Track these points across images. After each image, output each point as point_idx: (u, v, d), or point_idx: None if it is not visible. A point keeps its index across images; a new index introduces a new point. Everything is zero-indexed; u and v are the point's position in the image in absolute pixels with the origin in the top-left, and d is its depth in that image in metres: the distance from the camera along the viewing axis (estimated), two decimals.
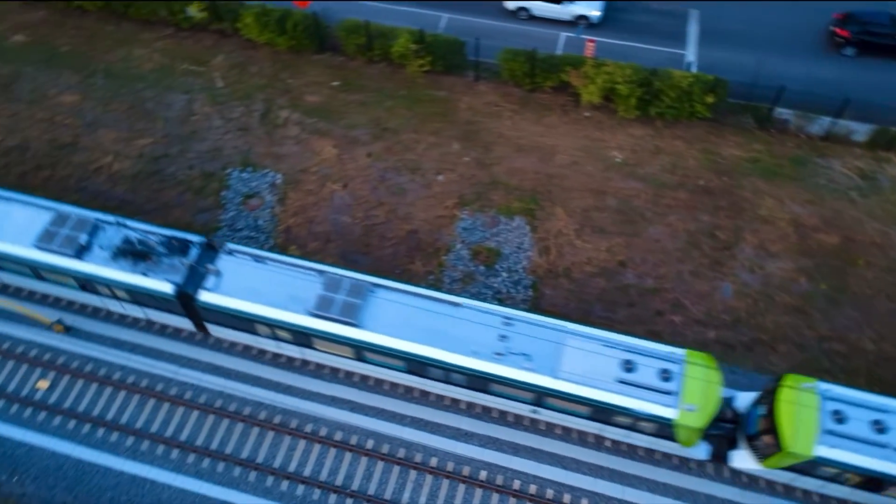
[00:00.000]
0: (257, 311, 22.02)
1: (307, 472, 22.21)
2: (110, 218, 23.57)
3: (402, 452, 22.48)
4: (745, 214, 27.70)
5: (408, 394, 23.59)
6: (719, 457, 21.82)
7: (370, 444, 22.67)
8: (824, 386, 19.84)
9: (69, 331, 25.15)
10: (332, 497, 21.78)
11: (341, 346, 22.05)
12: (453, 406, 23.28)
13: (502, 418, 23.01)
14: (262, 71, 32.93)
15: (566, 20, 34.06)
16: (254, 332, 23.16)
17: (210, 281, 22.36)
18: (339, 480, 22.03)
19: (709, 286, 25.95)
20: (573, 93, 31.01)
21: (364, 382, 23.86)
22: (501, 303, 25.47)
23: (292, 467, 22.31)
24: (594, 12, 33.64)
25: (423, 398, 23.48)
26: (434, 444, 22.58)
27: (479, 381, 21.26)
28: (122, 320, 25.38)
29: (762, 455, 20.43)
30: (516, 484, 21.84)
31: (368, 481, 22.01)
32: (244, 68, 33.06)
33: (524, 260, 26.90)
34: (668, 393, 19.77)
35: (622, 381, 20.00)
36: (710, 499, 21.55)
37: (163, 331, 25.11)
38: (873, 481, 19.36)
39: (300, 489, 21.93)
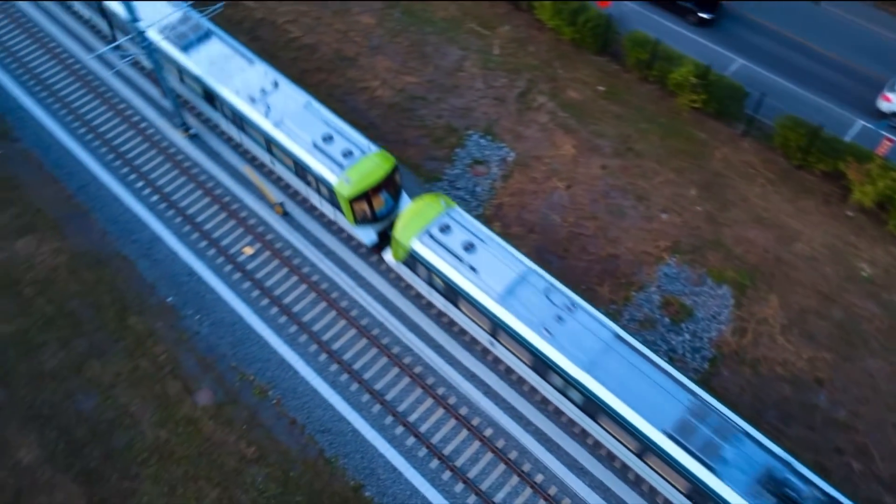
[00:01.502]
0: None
1: (422, 428, 22.89)
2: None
3: (513, 454, 22.35)
4: None
5: (542, 404, 23.28)
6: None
7: (488, 432, 22.78)
8: (457, 211, 23.68)
9: (286, 215, 27.93)
10: (434, 462, 22.29)
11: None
12: (580, 435, 22.59)
13: (622, 472, 21.93)
14: (538, 53, 33.49)
15: (880, 109, 30.60)
16: (431, 284, 23.91)
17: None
18: (445, 450, 22.47)
19: None
20: (844, 185, 27.98)
21: (508, 376, 23.91)
22: (672, 362, 24.05)
23: (411, 418, 23.12)
24: None
25: (555, 415, 23.05)
26: (545, 461, 22.15)
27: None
28: (330, 226, 27.63)
29: (392, 248, 24.30)
30: None
31: (472, 464, 22.20)
32: (523, 44, 33.83)
33: (714, 331, 25.09)
34: (339, 165, 24.41)
35: (316, 146, 24.81)
36: (368, 287, 25.93)
37: (357, 248, 26.96)
38: (451, 290, 22.75)
39: (410, 440, 22.69)
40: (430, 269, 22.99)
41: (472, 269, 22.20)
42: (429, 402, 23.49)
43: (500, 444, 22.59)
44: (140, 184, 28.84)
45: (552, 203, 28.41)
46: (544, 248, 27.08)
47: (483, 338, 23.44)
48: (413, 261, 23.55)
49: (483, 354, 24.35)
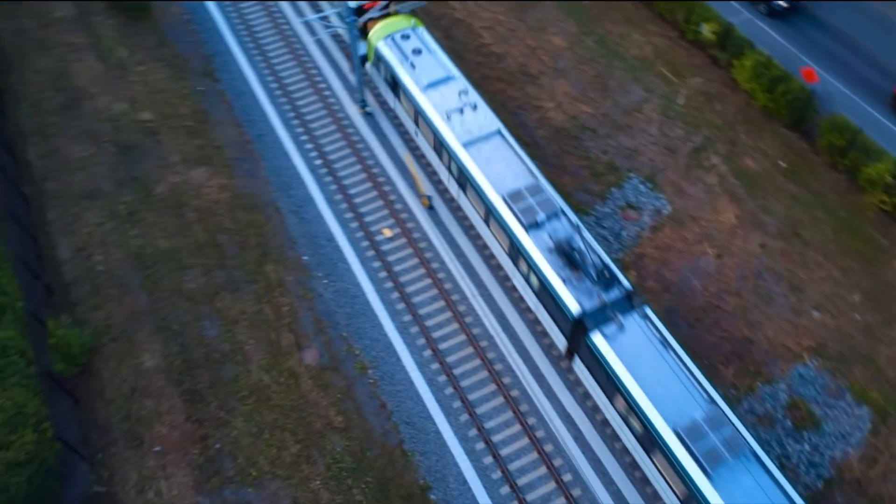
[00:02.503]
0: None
1: (503, 451, 22.67)
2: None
3: (576, 491, 21.60)
4: None
5: (631, 468, 22.28)
6: None
7: (567, 476, 22.16)
8: (420, 29, 29.65)
9: (431, 209, 28.62)
10: (505, 488, 21.98)
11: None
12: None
13: None
14: (724, 112, 32.07)
15: None
16: (610, 399, 21.95)
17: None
18: (519, 481, 22.10)
19: None
20: None
21: (603, 429, 23.11)
22: (782, 469, 22.18)
23: (495, 437, 22.94)
24: None
25: (641, 483, 21.97)
26: None
27: None
28: (468, 230, 28.00)
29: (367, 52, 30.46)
30: None
31: (530, 489, 21.67)
32: (710, 100, 32.54)
33: (839, 451, 22.87)
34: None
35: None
36: (489, 298, 27.11)
37: (488, 258, 27.12)
38: (393, 81, 29.10)
39: (488, 459, 22.53)
40: (384, 64, 29.16)
41: (413, 66, 28.16)
42: (516, 427, 23.19)
43: (577, 493, 21.88)
44: (309, 146, 30.64)
45: (697, 268, 27.11)
46: (676, 311, 25.89)
47: (411, 129, 29.45)
48: (377, 59, 29.81)
49: (584, 398, 23.69)
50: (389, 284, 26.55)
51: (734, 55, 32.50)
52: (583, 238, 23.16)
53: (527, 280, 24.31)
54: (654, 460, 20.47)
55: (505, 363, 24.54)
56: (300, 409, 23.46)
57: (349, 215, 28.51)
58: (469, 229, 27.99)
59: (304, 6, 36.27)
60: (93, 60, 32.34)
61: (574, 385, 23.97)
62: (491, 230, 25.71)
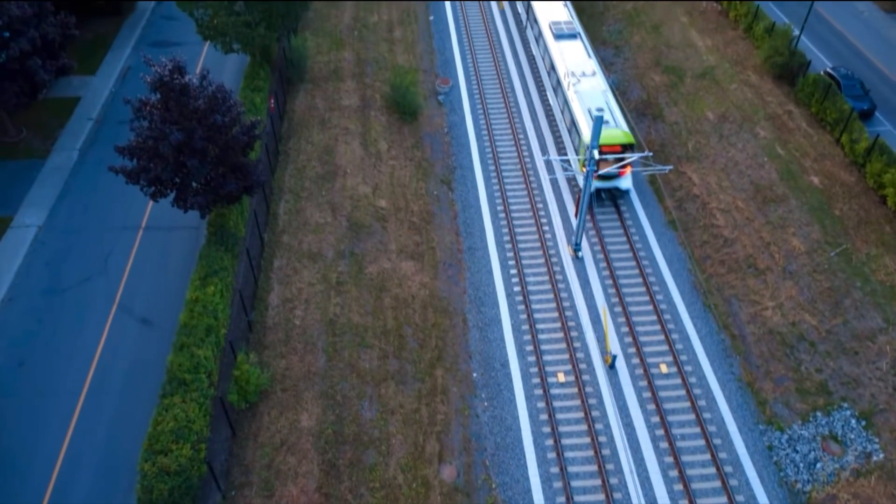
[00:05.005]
0: None
1: None
2: None
3: None
4: None
5: None
6: None
7: None
8: None
9: (612, 368, 27.64)
10: None
11: None
12: None
13: None
14: None
15: None
16: None
17: None
18: None
19: None
20: None
21: None
22: None
23: None
24: None
25: None
26: None
27: None
28: (645, 405, 26.45)
29: None
30: None
31: None
32: None
33: None
34: None
35: None
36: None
37: (666, 472, 25.26)
38: None
39: None
40: None
41: None
42: None
43: None
44: (513, 271, 31.53)
45: None
46: None
47: None
48: None
49: None
50: (547, 429, 25.70)
51: None
52: None
53: None
54: None
55: None
56: None
57: (529, 348, 28.46)
58: (646, 402, 26.48)
59: (551, 145, 38.36)
60: (357, 145, 36.69)
61: None
62: None
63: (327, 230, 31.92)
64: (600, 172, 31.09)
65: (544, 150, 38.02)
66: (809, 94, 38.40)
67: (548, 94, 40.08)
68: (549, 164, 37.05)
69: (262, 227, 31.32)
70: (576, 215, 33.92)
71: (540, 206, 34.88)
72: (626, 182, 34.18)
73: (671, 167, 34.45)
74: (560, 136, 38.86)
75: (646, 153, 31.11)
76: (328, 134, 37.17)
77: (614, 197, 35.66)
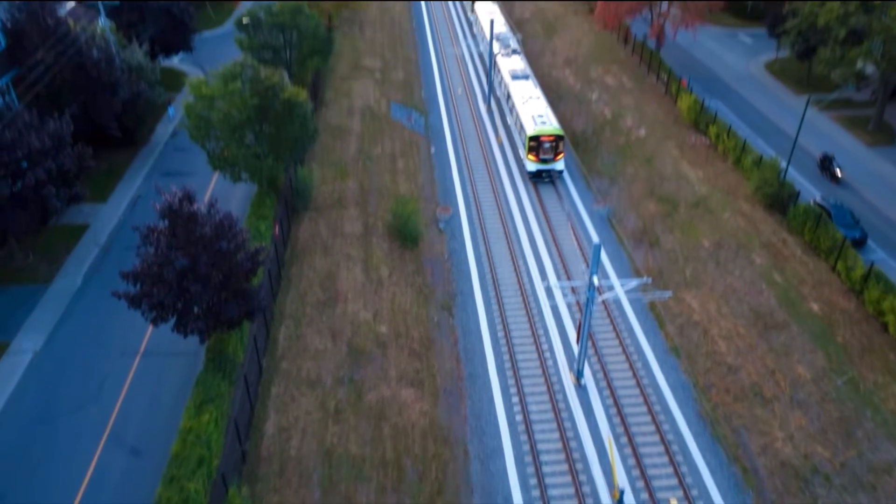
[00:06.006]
0: None
1: None
2: None
3: None
4: None
5: None
6: None
7: None
8: None
9: (619, 503, 26.47)
10: None
11: None
12: None
13: None
14: None
15: None
16: None
17: None
18: None
19: None
20: None
21: None
22: None
23: None
24: None
25: None
26: None
27: None
28: None
29: None
30: None
31: None
32: None
33: None
34: None
35: None
36: None
37: None
38: None
39: None
40: None
41: None
42: None
43: None
44: (515, 399, 30.87)
45: None
46: None
47: None
48: None
49: None
50: None
51: None
52: None
53: None
54: None
55: None
56: None
57: (533, 481, 27.31)
58: None
59: (550, 271, 38.81)
60: (359, 271, 37.09)
61: None
62: None
63: (327, 356, 31.58)
64: (541, 157, 46.58)
65: (543, 276, 38.40)
66: (802, 222, 39.38)
67: (505, 113, 57.02)
68: (549, 290, 37.30)
69: (261, 352, 31.00)
70: (577, 342, 33.71)
71: (541, 332, 34.74)
72: (559, 165, 47.51)
73: (671, 293, 34.64)
74: (557, 264, 39.41)
75: (644, 279, 31.40)
76: (330, 260, 37.67)
77: (553, 178, 48.14)
